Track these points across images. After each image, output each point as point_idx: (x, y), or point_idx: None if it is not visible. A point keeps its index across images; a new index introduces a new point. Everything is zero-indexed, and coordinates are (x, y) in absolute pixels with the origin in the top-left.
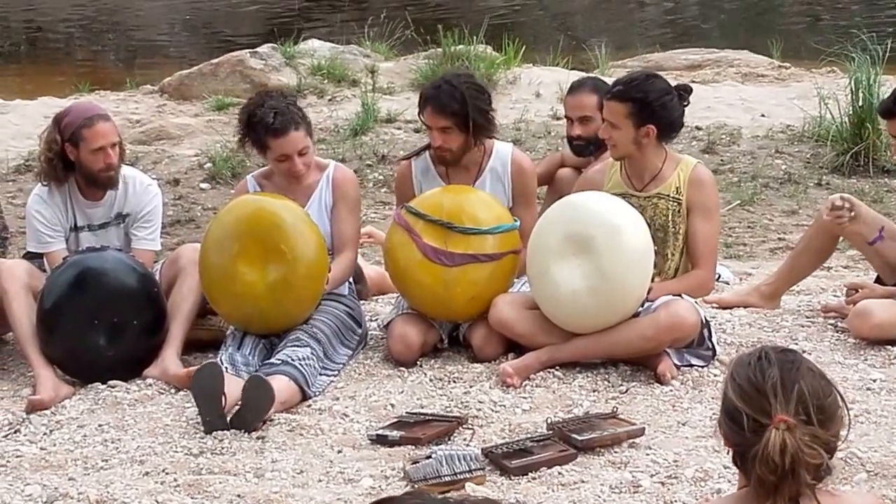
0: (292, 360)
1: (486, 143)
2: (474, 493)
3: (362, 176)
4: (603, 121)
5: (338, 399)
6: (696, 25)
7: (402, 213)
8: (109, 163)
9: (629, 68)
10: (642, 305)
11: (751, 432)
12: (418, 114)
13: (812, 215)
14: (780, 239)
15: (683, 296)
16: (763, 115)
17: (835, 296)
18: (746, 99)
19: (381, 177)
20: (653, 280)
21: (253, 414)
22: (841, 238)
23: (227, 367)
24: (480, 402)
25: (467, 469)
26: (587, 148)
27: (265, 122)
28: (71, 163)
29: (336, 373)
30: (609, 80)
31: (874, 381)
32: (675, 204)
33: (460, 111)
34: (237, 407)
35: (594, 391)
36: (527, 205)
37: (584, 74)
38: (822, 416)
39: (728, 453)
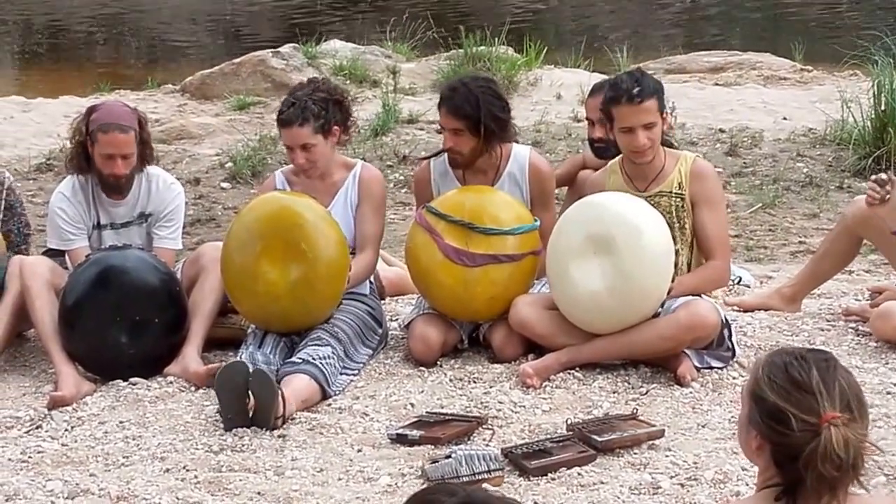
0: (313, 358)
1: (505, 146)
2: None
3: (383, 176)
4: (629, 129)
5: (358, 398)
6: (719, 28)
7: (423, 213)
8: (114, 172)
9: (651, 70)
10: (662, 305)
11: (801, 432)
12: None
13: (833, 219)
14: (801, 242)
15: (703, 296)
16: (785, 119)
17: (856, 299)
18: (769, 102)
19: (402, 177)
20: (672, 279)
21: (265, 408)
22: (863, 242)
23: (248, 366)
24: (500, 402)
25: (486, 469)
26: (608, 150)
27: (281, 109)
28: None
29: (356, 372)
30: None
31: (894, 384)
32: (679, 199)
33: (473, 115)
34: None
35: (614, 392)
36: (545, 207)
37: (605, 76)
38: (862, 410)
39: (758, 449)
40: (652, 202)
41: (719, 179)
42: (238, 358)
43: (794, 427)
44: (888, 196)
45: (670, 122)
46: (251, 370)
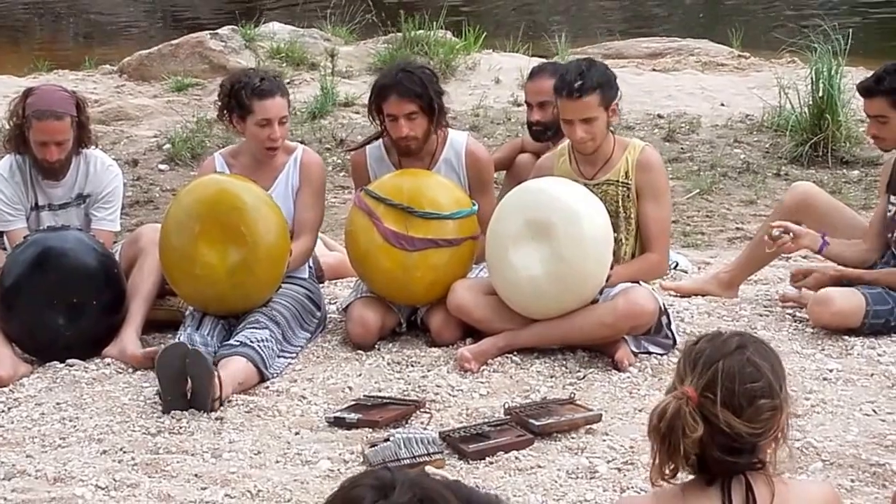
0: (251, 341)
1: (441, 132)
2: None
3: (322, 159)
4: (569, 122)
5: (296, 381)
6: (657, 14)
7: (362, 196)
8: (47, 158)
9: (590, 55)
10: (601, 292)
11: (665, 394)
12: (374, 108)
13: (770, 205)
14: (738, 228)
15: (641, 283)
16: (723, 105)
17: (793, 285)
18: (706, 88)
19: (339, 161)
20: (611, 266)
21: (201, 390)
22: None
23: None
24: (438, 386)
25: (425, 452)
26: (545, 133)
27: (251, 84)
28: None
29: (294, 355)
30: None
31: (831, 370)
32: (625, 188)
33: (424, 94)
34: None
35: (552, 377)
36: (484, 193)
37: (544, 60)
38: (733, 401)
39: None
40: (599, 190)
41: (665, 170)
42: (177, 340)
43: (667, 391)
44: (792, 234)
45: (619, 113)
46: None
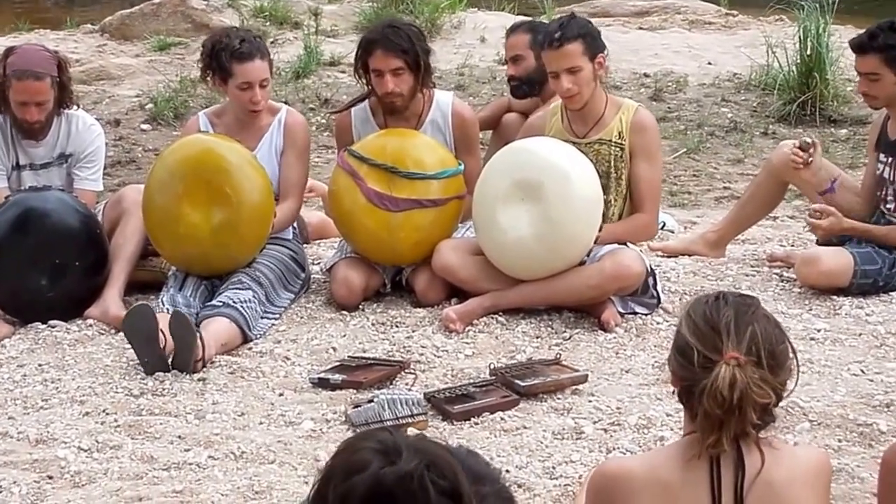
0: (234, 302)
1: (427, 92)
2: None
3: (306, 119)
4: (555, 74)
5: (279, 342)
6: None
7: (345, 156)
8: (27, 118)
9: (576, 14)
10: (588, 253)
11: (700, 368)
12: (360, 64)
13: (758, 164)
14: (725, 188)
15: (629, 244)
16: (710, 63)
17: (780, 245)
18: (693, 46)
19: (324, 120)
20: (600, 228)
21: (185, 351)
22: (789, 186)
23: (168, 309)
24: (423, 346)
25: (409, 413)
26: (521, 88)
27: (231, 46)
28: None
29: (278, 316)
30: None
31: (818, 331)
32: (618, 149)
33: (410, 49)
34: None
35: (537, 337)
36: (470, 152)
37: (529, 18)
38: (772, 362)
39: (674, 393)
40: (591, 149)
41: (659, 132)
42: (159, 301)
43: (695, 362)
44: (811, 160)
45: (606, 67)
46: (171, 312)
